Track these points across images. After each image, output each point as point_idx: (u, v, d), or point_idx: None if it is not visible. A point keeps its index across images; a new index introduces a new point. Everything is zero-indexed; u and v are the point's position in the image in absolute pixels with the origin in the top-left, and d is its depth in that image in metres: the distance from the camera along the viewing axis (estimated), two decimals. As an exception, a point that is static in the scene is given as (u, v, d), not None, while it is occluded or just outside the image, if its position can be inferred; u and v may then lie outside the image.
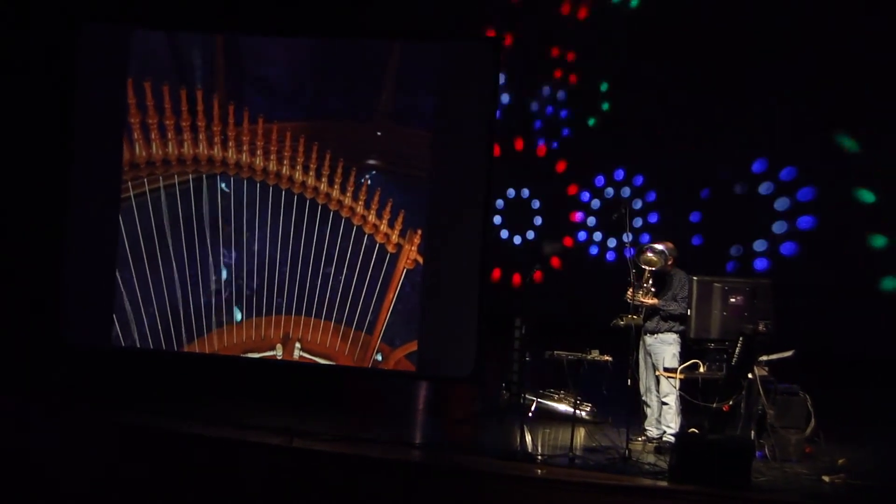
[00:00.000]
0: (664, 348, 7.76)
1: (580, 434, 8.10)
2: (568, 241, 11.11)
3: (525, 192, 11.33)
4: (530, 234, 11.32)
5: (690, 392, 7.54)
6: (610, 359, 7.96)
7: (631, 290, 7.72)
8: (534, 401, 8.74)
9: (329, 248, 8.86)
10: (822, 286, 9.55)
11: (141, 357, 9.01)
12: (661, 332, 7.78)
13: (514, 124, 11.19)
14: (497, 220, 11.22)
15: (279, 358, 8.89)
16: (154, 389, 8.49)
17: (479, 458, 7.24)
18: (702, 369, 7.54)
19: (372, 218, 8.82)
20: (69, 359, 8.92)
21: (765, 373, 7.55)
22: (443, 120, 8.78)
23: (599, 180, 10.97)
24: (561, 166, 11.15)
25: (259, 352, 8.94)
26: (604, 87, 10.89)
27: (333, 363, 8.85)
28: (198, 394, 8.50)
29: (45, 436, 7.37)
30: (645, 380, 7.90)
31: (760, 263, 10.05)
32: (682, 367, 7.58)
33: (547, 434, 8.13)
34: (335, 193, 8.87)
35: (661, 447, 7.58)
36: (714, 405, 7.38)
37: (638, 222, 10.59)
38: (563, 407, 8.64)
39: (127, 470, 6.96)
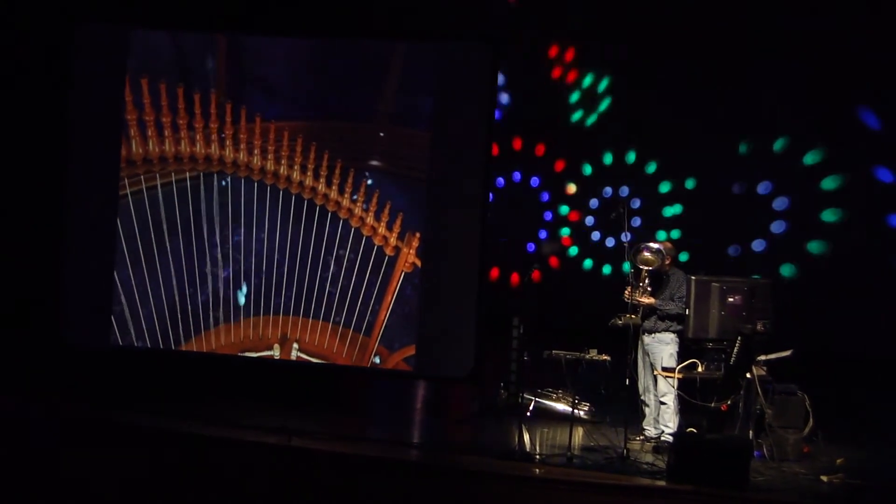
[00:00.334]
0: (662, 348, 7.76)
1: (578, 433, 8.10)
2: (566, 241, 11.09)
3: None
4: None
5: (689, 391, 7.52)
6: (608, 358, 7.98)
7: (629, 289, 7.73)
8: (532, 400, 8.75)
9: (327, 249, 8.86)
10: (822, 286, 9.55)
11: (139, 356, 9.02)
12: (659, 332, 7.78)
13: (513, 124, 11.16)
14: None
15: (276, 358, 8.90)
16: (152, 389, 8.50)
17: (478, 458, 7.24)
18: (700, 369, 7.54)
19: (370, 220, 8.82)
20: (69, 359, 8.94)
21: (763, 372, 7.55)
22: (441, 120, 8.78)
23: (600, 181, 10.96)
24: (559, 165, 11.14)
25: (256, 351, 8.95)
26: (603, 85, 10.88)
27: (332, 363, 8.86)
28: (196, 393, 8.51)
29: (45, 436, 7.38)
30: (643, 379, 7.90)
31: (758, 263, 10.03)
32: (680, 366, 7.58)
33: (545, 433, 8.12)
34: (333, 194, 8.87)
35: (659, 447, 7.59)
36: (712, 405, 7.38)
37: (636, 221, 10.57)
38: (562, 406, 8.64)
39: (126, 470, 6.96)
